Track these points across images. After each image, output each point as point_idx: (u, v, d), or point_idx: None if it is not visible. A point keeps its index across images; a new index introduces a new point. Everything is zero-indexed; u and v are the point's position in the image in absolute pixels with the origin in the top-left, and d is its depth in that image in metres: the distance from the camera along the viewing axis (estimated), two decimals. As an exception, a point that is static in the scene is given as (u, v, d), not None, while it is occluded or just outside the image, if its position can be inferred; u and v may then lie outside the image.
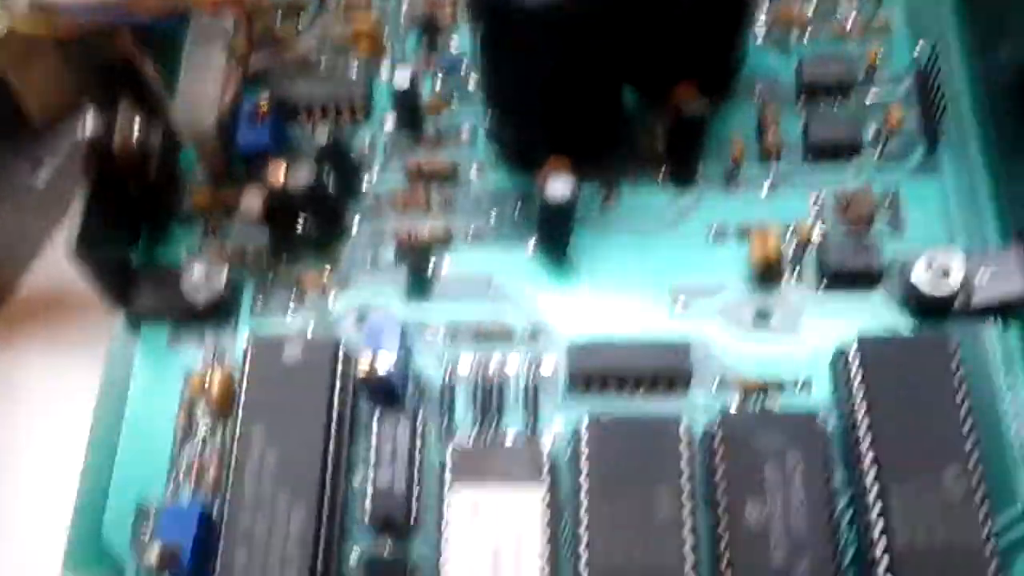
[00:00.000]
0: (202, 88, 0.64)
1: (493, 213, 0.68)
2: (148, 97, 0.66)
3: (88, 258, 0.60)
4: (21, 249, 0.71)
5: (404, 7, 0.75)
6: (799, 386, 0.62)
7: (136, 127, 0.64)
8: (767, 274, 0.64)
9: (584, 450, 0.58)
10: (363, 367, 0.59)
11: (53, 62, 0.68)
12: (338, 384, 0.61)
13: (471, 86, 0.72)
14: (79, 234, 0.60)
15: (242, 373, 0.61)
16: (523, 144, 0.68)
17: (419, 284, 0.66)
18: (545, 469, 0.58)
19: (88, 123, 0.62)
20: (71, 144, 0.70)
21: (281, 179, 0.63)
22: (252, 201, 0.63)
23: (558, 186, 0.62)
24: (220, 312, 0.65)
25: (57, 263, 0.70)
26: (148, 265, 0.67)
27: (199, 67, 0.65)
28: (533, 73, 0.62)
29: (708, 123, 0.66)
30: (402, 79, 0.67)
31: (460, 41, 0.74)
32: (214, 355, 0.65)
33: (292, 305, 0.66)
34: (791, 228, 0.66)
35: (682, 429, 0.58)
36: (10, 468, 0.65)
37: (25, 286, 0.72)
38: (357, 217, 0.68)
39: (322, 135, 0.65)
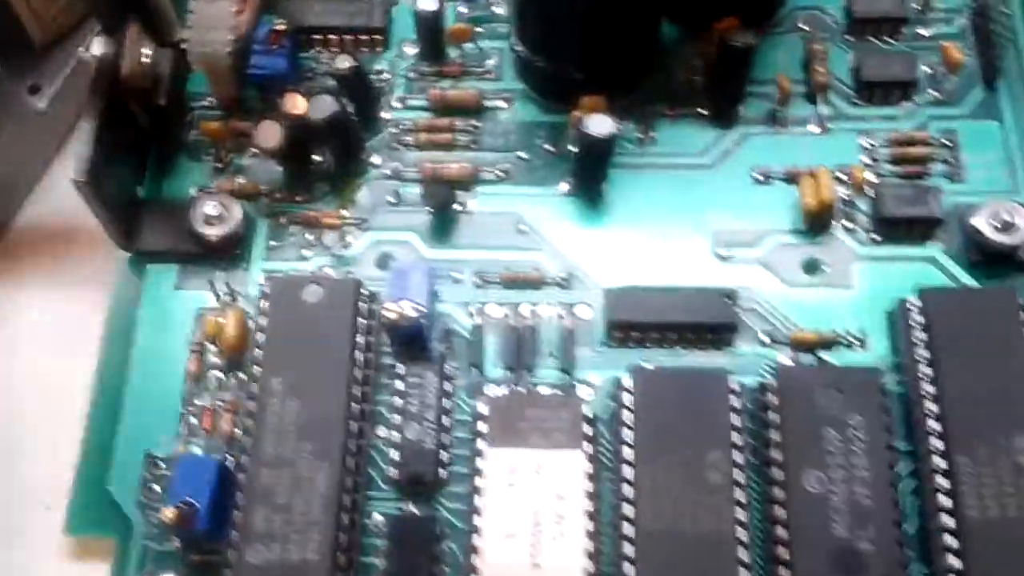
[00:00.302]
0: (217, 9, 0.59)
1: (522, 149, 0.63)
2: (156, 17, 0.60)
3: (95, 190, 0.56)
4: (20, 177, 0.66)
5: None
6: (853, 341, 0.57)
7: (146, 50, 0.59)
8: (817, 221, 0.60)
9: (628, 406, 0.54)
10: (391, 313, 0.55)
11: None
12: (361, 329, 0.57)
13: (498, 11, 0.67)
14: (86, 164, 0.55)
15: (259, 314, 0.57)
16: (555, 77, 0.63)
17: (444, 225, 0.61)
18: (586, 426, 0.53)
19: (96, 46, 0.57)
20: (73, 66, 0.65)
21: (301, 110, 0.59)
22: (269, 134, 0.59)
23: (599, 123, 0.58)
24: (231, 252, 0.60)
25: (59, 193, 0.65)
26: (154, 200, 0.62)
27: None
28: (572, 1, 0.58)
29: (754, 56, 0.61)
30: (427, 3, 0.63)
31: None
32: (228, 296, 0.59)
33: (308, 245, 0.61)
34: (842, 172, 0.61)
35: (733, 383, 0.54)
36: (7, 415, 0.60)
37: (25, 216, 0.67)
38: (376, 152, 0.63)
39: (343, 61, 0.61)
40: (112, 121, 0.58)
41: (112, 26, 0.59)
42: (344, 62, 0.61)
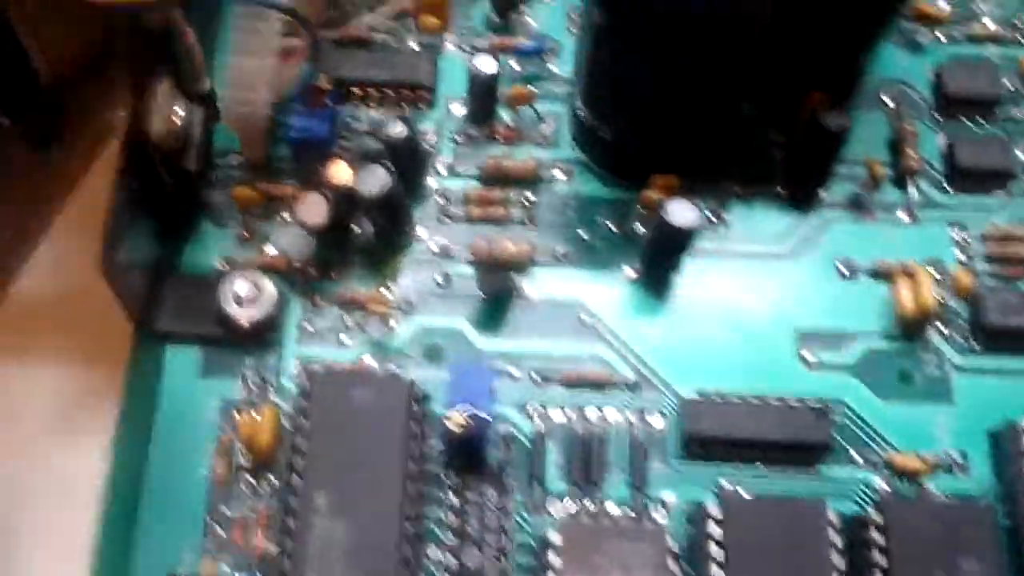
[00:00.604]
0: (258, 65, 0.52)
1: (582, 227, 0.57)
2: (187, 68, 0.54)
3: (121, 273, 0.49)
4: (23, 235, 0.58)
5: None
6: (954, 465, 0.52)
7: (178, 108, 0.52)
8: (911, 326, 0.54)
9: (716, 538, 0.49)
10: (455, 425, 0.48)
11: (74, 18, 0.55)
12: (413, 435, 0.50)
13: (554, 70, 0.61)
14: (111, 246, 0.48)
15: (298, 413, 0.50)
16: (621, 149, 0.57)
17: (498, 311, 0.55)
18: (671, 562, 0.48)
19: (126, 106, 0.50)
20: (84, 113, 0.57)
21: (348, 181, 0.52)
22: (314, 210, 0.53)
23: (682, 211, 0.52)
24: (262, 336, 0.53)
25: (66, 254, 0.58)
26: (177, 274, 0.55)
27: (253, 39, 0.53)
28: (660, 75, 0.52)
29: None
30: (486, 64, 0.56)
31: (541, 18, 0.62)
32: (260, 388, 0.53)
33: (346, 330, 0.54)
34: (934, 268, 0.56)
35: (831, 514, 0.48)
36: (6, 516, 0.53)
37: (27, 280, 0.59)
38: (421, 223, 0.56)
39: (396, 127, 0.54)
40: (140, 190, 0.51)
41: (143, 81, 0.51)
42: (397, 128, 0.54)
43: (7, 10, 0.52)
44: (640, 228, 0.57)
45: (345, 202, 0.53)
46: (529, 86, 0.60)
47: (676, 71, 0.52)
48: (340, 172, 0.53)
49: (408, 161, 0.56)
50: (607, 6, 0.50)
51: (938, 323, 0.55)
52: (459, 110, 0.60)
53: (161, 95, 0.52)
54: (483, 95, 0.58)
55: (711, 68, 0.52)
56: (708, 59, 0.51)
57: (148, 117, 0.51)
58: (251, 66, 0.53)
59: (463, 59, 0.60)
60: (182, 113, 0.53)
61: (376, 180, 0.52)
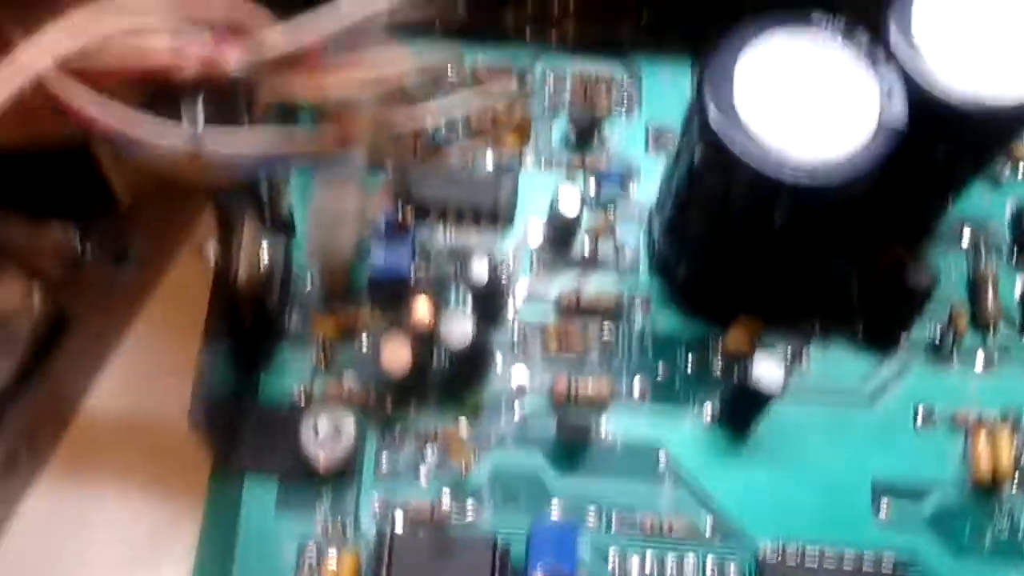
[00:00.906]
0: (344, 204, 0.52)
1: (659, 363, 0.57)
2: (266, 202, 0.53)
3: (205, 421, 0.49)
4: (95, 351, 0.58)
5: (548, 89, 0.62)
6: (1025, 631, 0.52)
7: (264, 251, 0.52)
8: (988, 483, 0.54)
9: None
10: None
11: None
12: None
13: (634, 195, 0.61)
14: (200, 399, 0.48)
15: (380, 565, 0.51)
16: (702, 284, 0.57)
17: (575, 454, 0.55)
18: None
19: (212, 248, 0.50)
20: (159, 227, 0.57)
21: (431, 324, 0.52)
22: (397, 357, 0.52)
23: (770, 373, 0.51)
24: (341, 473, 0.53)
25: (137, 372, 0.57)
26: (250, 401, 0.55)
27: (337, 181, 0.53)
28: (752, 230, 0.51)
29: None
30: (570, 205, 0.56)
31: (620, 137, 0.61)
32: (339, 525, 0.53)
33: (423, 467, 0.54)
34: (1015, 422, 0.56)
35: None
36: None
37: (98, 399, 0.58)
38: (497, 356, 0.56)
39: (481, 270, 0.53)
40: (223, 334, 0.51)
41: (226, 213, 0.51)
42: (480, 271, 0.54)
43: (92, 144, 0.52)
44: (719, 362, 0.56)
45: (428, 345, 0.53)
46: (607, 211, 0.59)
47: (769, 229, 0.51)
48: (423, 315, 0.52)
49: (488, 298, 0.55)
50: (714, 169, 0.49)
51: (1015, 478, 0.55)
52: (536, 234, 0.59)
53: (247, 241, 0.52)
54: (563, 233, 0.58)
55: (805, 230, 0.51)
56: (804, 223, 0.51)
57: (234, 266, 0.51)
58: (336, 208, 0.53)
59: (542, 179, 0.60)
60: (267, 260, 0.52)
61: (460, 330, 0.52)
